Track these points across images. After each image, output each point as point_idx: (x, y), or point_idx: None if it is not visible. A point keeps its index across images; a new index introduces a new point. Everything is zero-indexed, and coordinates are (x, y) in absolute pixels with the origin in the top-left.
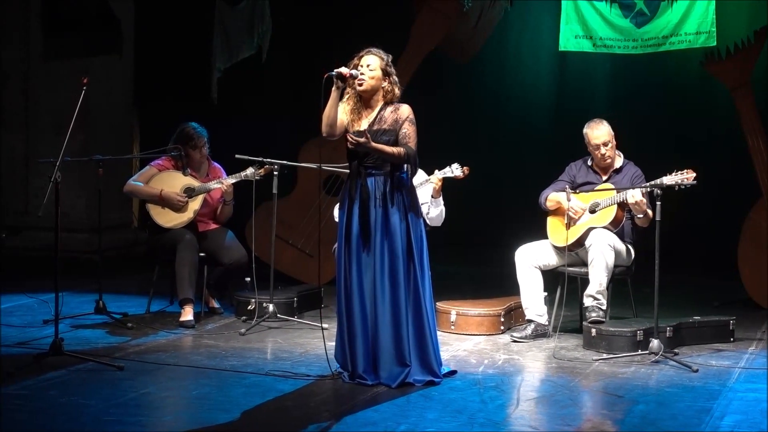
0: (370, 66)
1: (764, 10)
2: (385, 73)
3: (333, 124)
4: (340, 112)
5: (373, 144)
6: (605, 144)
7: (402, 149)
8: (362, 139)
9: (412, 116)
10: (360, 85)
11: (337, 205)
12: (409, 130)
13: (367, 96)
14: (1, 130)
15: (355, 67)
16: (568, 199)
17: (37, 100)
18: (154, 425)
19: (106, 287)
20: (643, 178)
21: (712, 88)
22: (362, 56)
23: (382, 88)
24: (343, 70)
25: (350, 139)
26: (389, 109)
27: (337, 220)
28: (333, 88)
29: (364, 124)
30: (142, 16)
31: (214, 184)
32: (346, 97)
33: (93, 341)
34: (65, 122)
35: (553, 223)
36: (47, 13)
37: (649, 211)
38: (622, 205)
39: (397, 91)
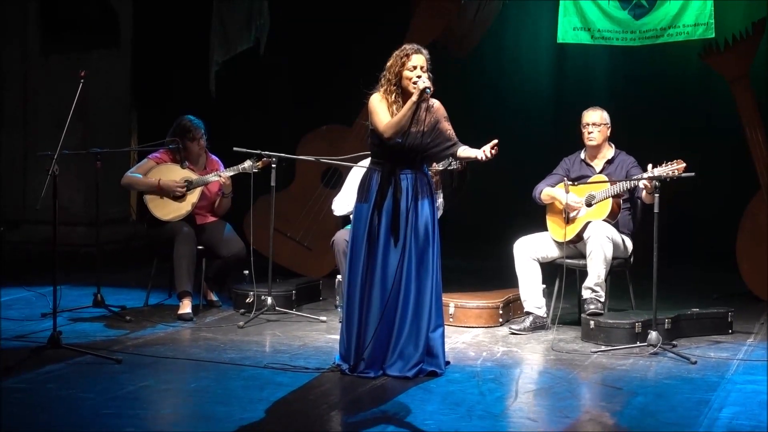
0: (423, 68)
1: (763, 1)
2: (428, 72)
3: (402, 132)
4: (384, 109)
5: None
6: (594, 124)
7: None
8: (493, 149)
9: (445, 113)
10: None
11: (336, 198)
12: (450, 128)
13: (410, 94)
14: (1, 124)
15: (404, 64)
16: (567, 192)
17: (35, 94)
18: (152, 418)
19: (105, 280)
20: (638, 166)
21: (711, 80)
22: (411, 54)
23: None
24: (428, 83)
25: (488, 153)
26: (423, 106)
27: (336, 213)
28: (411, 101)
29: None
30: (140, 9)
31: (212, 177)
32: (393, 95)
33: (91, 334)
34: (64, 117)
35: (552, 220)
36: (46, 8)
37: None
38: (617, 197)
39: (432, 86)
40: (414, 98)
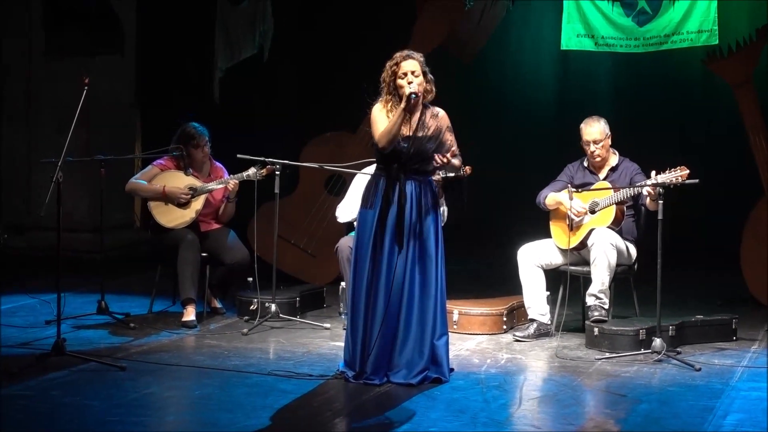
0: (415, 72)
1: (766, 8)
2: (424, 75)
3: (395, 140)
4: (384, 119)
5: (453, 161)
6: (596, 142)
7: (458, 161)
8: (449, 156)
9: (449, 123)
10: (417, 95)
11: (340, 205)
12: (452, 140)
13: (413, 101)
14: (3, 127)
15: (395, 73)
16: (570, 198)
17: (38, 98)
18: (156, 425)
19: (109, 287)
20: (642, 174)
21: (714, 86)
22: (400, 62)
23: (423, 89)
24: (415, 88)
25: (439, 159)
26: (428, 113)
27: (340, 220)
28: (401, 107)
29: (407, 130)
30: (144, 15)
31: (216, 184)
32: (390, 104)
33: (95, 341)
34: (67, 120)
35: (556, 227)
36: (49, 11)
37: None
38: (621, 203)
39: (434, 89)
40: (402, 105)
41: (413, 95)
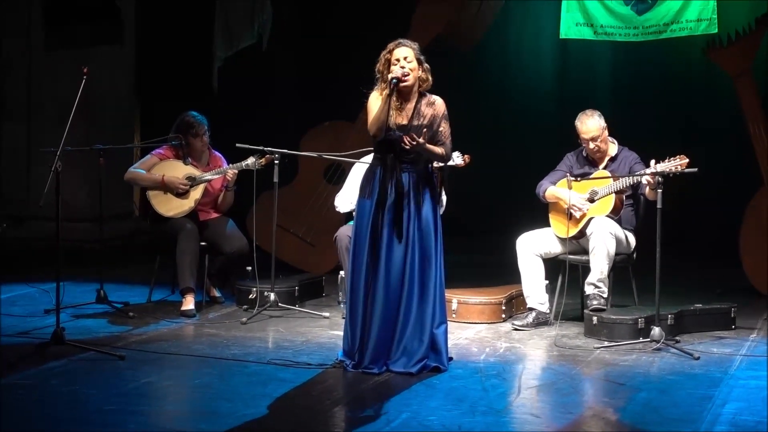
0: (407, 58)
1: None
2: (419, 62)
3: (383, 127)
4: (377, 107)
5: (427, 146)
6: (594, 139)
7: (443, 149)
8: (420, 140)
9: (446, 112)
10: (405, 81)
11: (339, 194)
12: (445, 128)
13: (406, 89)
14: (4, 120)
15: (388, 61)
16: (569, 188)
17: (39, 90)
18: (155, 414)
19: (108, 277)
20: (641, 163)
21: (714, 76)
22: (393, 50)
23: (418, 77)
24: (398, 73)
25: (407, 141)
26: (424, 101)
27: (339, 209)
28: (385, 93)
29: (403, 119)
30: (144, 5)
31: (214, 174)
32: (385, 93)
33: (94, 330)
34: (67, 112)
35: (555, 216)
36: (49, 3)
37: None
38: (620, 192)
39: (430, 78)
40: (386, 91)
41: (394, 80)
